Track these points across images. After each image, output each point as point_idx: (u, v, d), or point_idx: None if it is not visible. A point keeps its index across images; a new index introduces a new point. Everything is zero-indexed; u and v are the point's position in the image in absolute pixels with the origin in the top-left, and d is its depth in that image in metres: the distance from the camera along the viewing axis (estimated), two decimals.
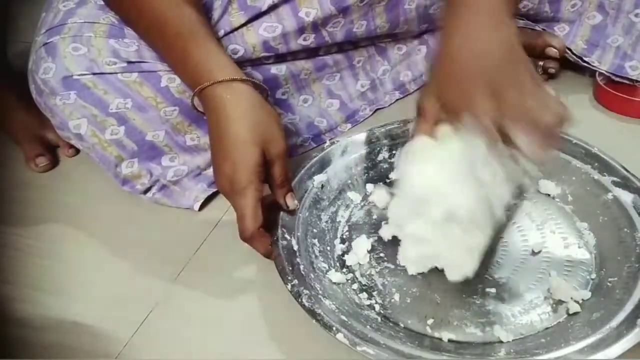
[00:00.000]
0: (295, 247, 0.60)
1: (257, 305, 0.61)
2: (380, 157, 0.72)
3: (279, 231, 0.60)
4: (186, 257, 0.68)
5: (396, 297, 0.58)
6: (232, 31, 0.71)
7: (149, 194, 0.74)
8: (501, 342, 0.53)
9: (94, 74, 0.66)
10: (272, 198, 0.62)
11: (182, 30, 0.61)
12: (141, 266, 0.68)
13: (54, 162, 0.85)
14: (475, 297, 0.57)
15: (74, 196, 0.80)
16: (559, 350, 0.49)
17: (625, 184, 0.62)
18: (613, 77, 0.82)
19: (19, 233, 0.74)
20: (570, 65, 0.87)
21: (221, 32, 0.71)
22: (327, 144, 0.71)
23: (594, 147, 0.66)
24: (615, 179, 0.63)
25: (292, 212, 0.63)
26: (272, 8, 0.72)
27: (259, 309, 0.61)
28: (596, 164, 0.65)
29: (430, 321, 0.55)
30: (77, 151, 0.86)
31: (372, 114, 0.87)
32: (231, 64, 0.61)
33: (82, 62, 0.66)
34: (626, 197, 0.61)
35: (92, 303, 0.64)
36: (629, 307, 0.51)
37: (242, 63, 0.74)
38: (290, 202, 0.63)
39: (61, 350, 0.59)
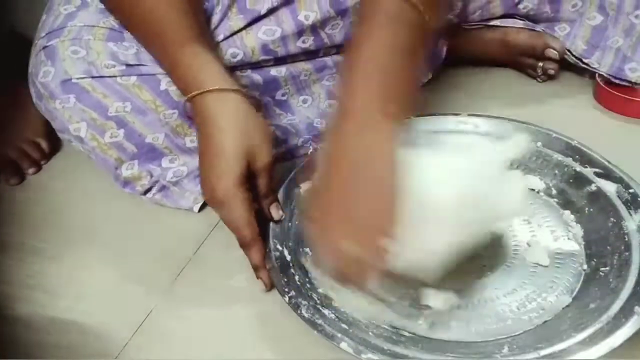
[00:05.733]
0: (289, 258, 0.59)
1: (258, 306, 0.61)
2: None
3: (271, 242, 0.60)
4: (186, 257, 0.67)
5: (394, 301, 0.57)
6: (232, 35, 0.71)
7: (149, 195, 0.73)
8: (503, 338, 0.53)
9: (93, 77, 0.66)
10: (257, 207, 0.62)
11: (177, 37, 0.61)
12: (141, 266, 0.68)
13: (21, 178, 0.84)
14: (470, 296, 0.57)
15: (74, 196, 0.79)
16: (561, 342, 0.49)
17: (607, 174, 0.63)
18: (612, 79, 0.82)
19: (19, 233, 0.73)
20: (570, 66, 0.88)
21: (220, 37, 0.70)
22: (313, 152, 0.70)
23: (574, 139, 0.67)
24: (597, 170, 0.64)
25: (277, 222, 0.62)
26: (272, 11, 0.72)
27: (259, 310, 0.61)
28: (577, 157, 0.66)
29: (429, 323, 0.55)
30: (39, 168, 0.85)
31: None
32: (223, 73, 0.60)
33: (81, 65, 0.65)
34: (609, 187, 0.62)
35: (93, 303, 0.64)
36: (624, 295, 0.52)
37: (241, 66, 0.73)
38: (275, 212, 0.62)
39: (61, 350, 0.59)
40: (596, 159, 0.65)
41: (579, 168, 0.65)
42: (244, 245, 0.58)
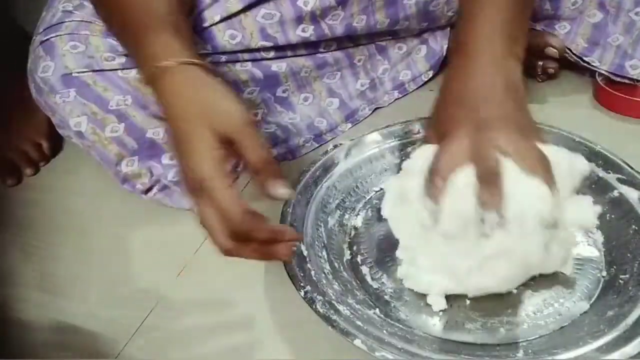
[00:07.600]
0: (305, 253, 0.59)
1: (258, 306, 0.61)
2: (384, 159, 0.72)
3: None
4: (186, 257, 0.67)
5: (409, 300, 0.57)
6: (229, 17, 0.70)
7: (150, 194, 0.73)
8: (518, 342, 0.52)
9: (94, 71, 0.65)
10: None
11: (140, 17, 0.56)
12: (141, 266, 0.68)
13: (18, 179, 0.84)
14: (488, 299, 0.56)
15: (74, 196, 0.80)
16: (577, 348, 0.49)
17: (630, 181, 0.62)
18: (613, 77, 0.82)
19: (19, 233, 0.74)
20: (570, 65, 0.87)
21: (217, 17, 0.70)
22: (330, 147, 0.70)
23: (597, 145, 0.66)
24: (620, 176, 0.63)
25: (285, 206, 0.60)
26: None
27: (259, 310, 0.61)
28: (600, 162, 0.65)
29: (444, 324, 0.55)
30: (37, 170, 0.86)
31: (371, 113, 0.87)
32: (181, 49, 0.52)
33: (81, 59, 0.65)
34: (633, 194, 0.61)
35: (92, 303, 0.64)
36: None
37: (242, 53, 0.73)
38: (275, 189, 0.47)
39: (61, 350, 0.59)
40: (619, 165, 0.64)
41: (601, 174, 0.64)
42: (248, 236, 0.47)
